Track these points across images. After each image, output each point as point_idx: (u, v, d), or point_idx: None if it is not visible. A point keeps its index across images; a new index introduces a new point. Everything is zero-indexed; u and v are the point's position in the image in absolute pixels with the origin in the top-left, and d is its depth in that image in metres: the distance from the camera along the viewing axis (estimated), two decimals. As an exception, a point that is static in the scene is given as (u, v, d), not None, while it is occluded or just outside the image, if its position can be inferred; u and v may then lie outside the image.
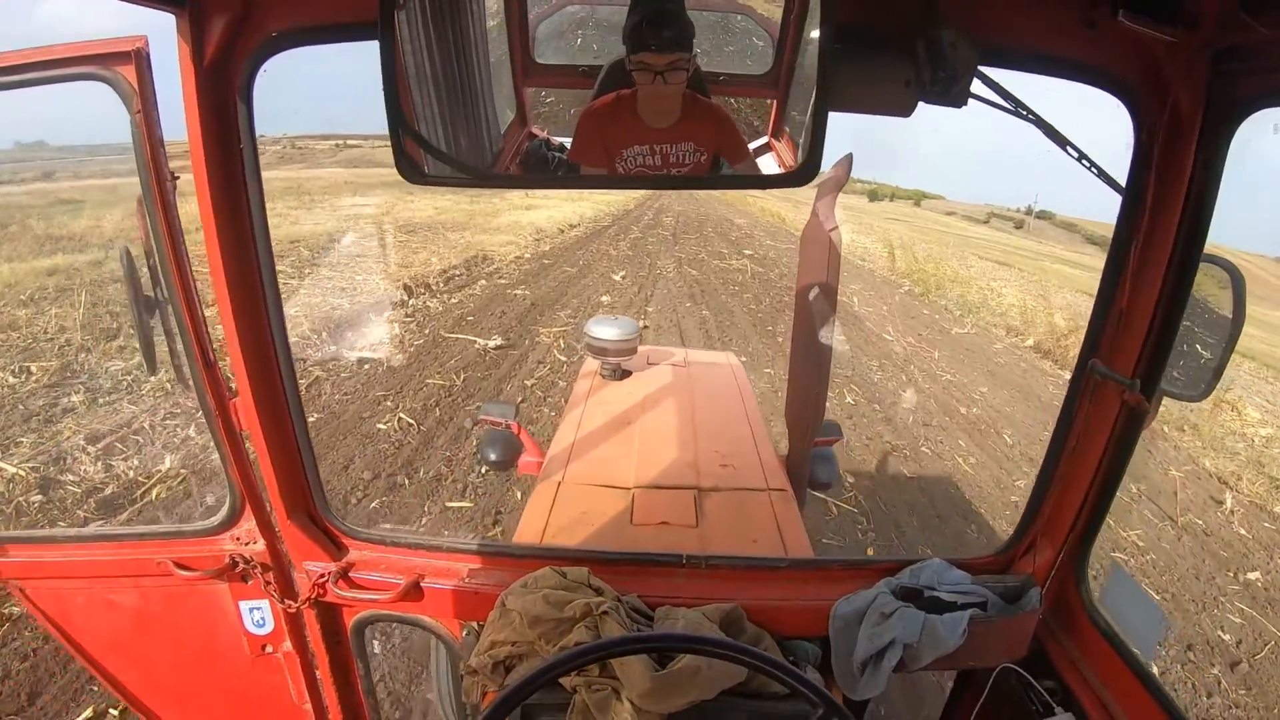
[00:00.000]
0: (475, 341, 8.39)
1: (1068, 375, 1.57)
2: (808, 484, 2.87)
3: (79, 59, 1.27)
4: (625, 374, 3.40)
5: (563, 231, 20.73)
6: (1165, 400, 1.52)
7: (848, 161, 2.16)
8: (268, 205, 1.41)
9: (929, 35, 1.19)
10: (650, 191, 40.58)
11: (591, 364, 3.50)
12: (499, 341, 8.42)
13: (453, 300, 10.50)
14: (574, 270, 14.05)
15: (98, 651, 1.87)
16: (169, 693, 1.95)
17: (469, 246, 15.60)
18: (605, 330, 3.27)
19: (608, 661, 1.36)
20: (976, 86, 1.24)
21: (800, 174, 1.17)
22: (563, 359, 8.07)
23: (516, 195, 27.30)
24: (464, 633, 1.73)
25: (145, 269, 1.40)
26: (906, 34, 1.21)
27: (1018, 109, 1.27)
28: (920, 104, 1.28)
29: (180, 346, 1.45)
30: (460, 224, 19.63)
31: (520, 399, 6.72)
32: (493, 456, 3.18)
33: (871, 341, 10.12)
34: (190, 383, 1.50)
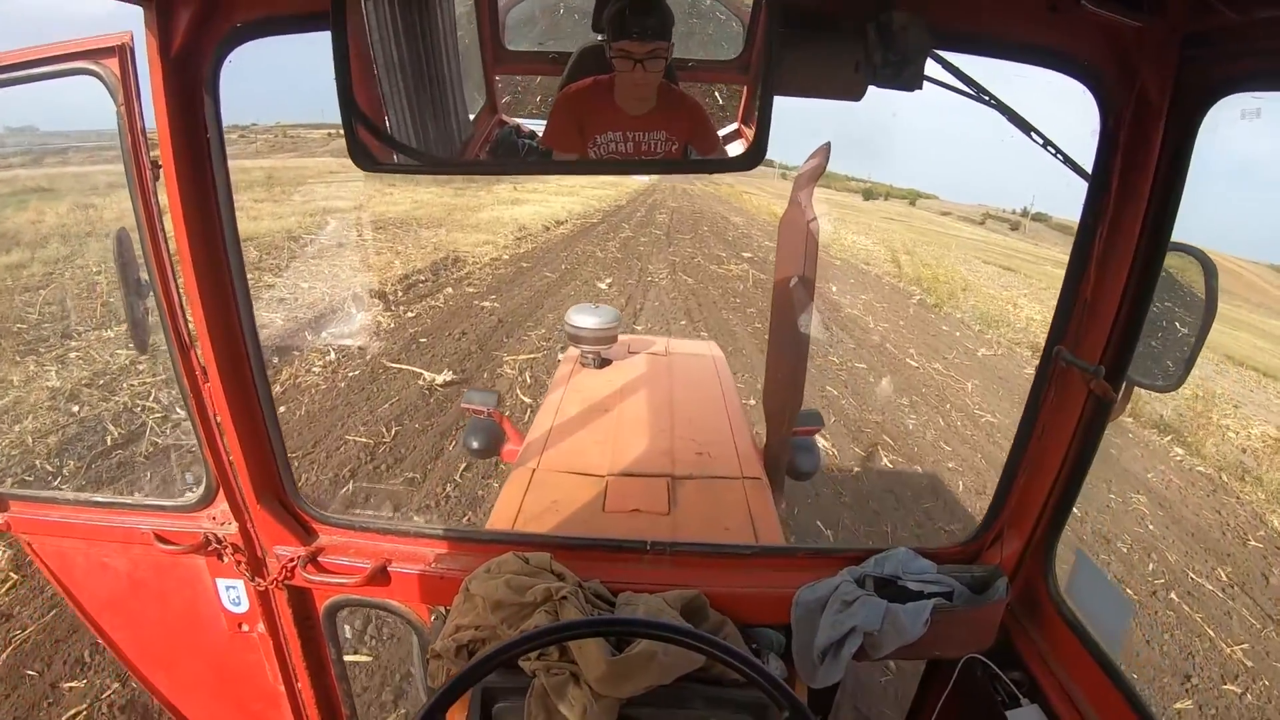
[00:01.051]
0: (421, 375, 7.13)
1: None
2: (787, 473, 2.84)
3: (70, 55, 1.35)
4: (605, 362, 3.39)
5: (548, 229, 19.01)
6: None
7: (825, 150, 2.16)
8: (242, 194, 1.54)
9: (879, 18, 1.18)
10: (644, 187, 40.93)
11: (573, 352, 3.47)
12: (449, 376, 7.10)
13: (409, 314, 9.31)
14: (554, 276, 12.91)
15: (94, 609, 1.95)
16: (156, 658, 2.02)
17: (440, 246, 14.39)
18: (585, 319, 3.27)
19: (566, 645, 1.37)
20: (936, 71, 1.23)
21: (746, 159, 1.18)
22: (527, 400, 6.78)
23: (504, 189, 26.87)
24: (432, 617, 1.75)
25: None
26: (857, 17, 1.20)
27: (979, 94, 1.27)
28: (881, 91, 1.27)
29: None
30: (437, 220, 17.95)
31: (463, 467, 5.31)
32: (475, 445, 3.11)
33: (898, 368, 9.17)
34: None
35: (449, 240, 14.97)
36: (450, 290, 10.54)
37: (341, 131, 1.14)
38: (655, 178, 38.90)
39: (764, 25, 1.15)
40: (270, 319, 8.14)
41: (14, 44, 1.45)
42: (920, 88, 1.24)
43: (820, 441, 4.31)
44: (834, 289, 13.81)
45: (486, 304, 9.90)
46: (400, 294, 9.80)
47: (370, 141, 1.16)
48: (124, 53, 1.33)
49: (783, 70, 1.13)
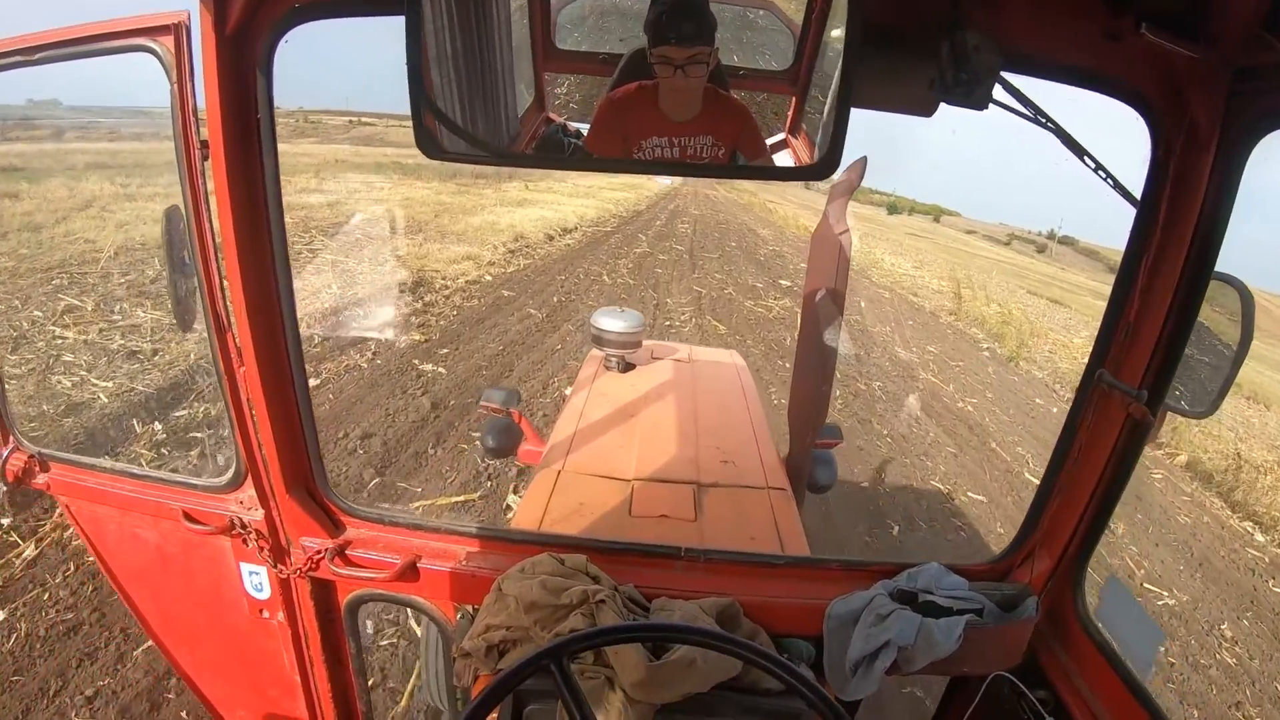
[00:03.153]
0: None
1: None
2: (806, 485, 2.87)
3: (127, 32, 1.40)
4: (629, 367, 3.47)
5: (551, 239, 15.79)
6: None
7: (861, 165, 2.19)
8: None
9: (953, 37, 1.19)
10: (666, 191, 39.11)
11: (596, 355, 3.59)
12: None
13: (312, 383, 6.11)
14: (539, 315, 9.97)
15: (125, 577, 2.03)
16: (179, 633, 2.10)
17: (408, 263, 11.54)
18: (611, 322, 3.35)
19: (602, 649, 1.44)
20: (997, 92, 1.25)
21: (819, 168, 1.19)
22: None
23: (512, 189, 25.18)
24: (458, 616, 1.77)
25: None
26: (930, 34, 1.21)
27: (1037, 116, 1.29)
28: (942, 107, 1.33)
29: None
30: (418, 224, 14.75)
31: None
32: (492, 443, 3.13)
33: (1009, 473, 6.68)
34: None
35: (421, 255, 11.60)
36: (381, 340, 7.81)
37: (365, 121, 1.44)
38: (677, 182, 38.20)
39: (847, 38, 1.15)
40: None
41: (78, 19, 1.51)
42: (987, 108, 1.25)
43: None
44: (898, 336, 11.83)
45: (428, 367, 6.43)
46: (314, 344, 6.20)
47: (434, 129, 1.18)
48: (179, 31, 1.33)
49: (857, 83, 1.14)
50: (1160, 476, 7.51)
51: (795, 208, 35.57)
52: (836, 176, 2.16)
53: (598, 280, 12.65)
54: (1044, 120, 1.27)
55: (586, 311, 9.80)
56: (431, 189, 23.39)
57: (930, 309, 15.19)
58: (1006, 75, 1.24)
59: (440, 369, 7.02)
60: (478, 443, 4.12)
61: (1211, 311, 1.40)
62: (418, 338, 7.95)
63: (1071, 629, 1.67)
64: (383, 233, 14.11)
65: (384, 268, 10.79)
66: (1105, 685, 1.55)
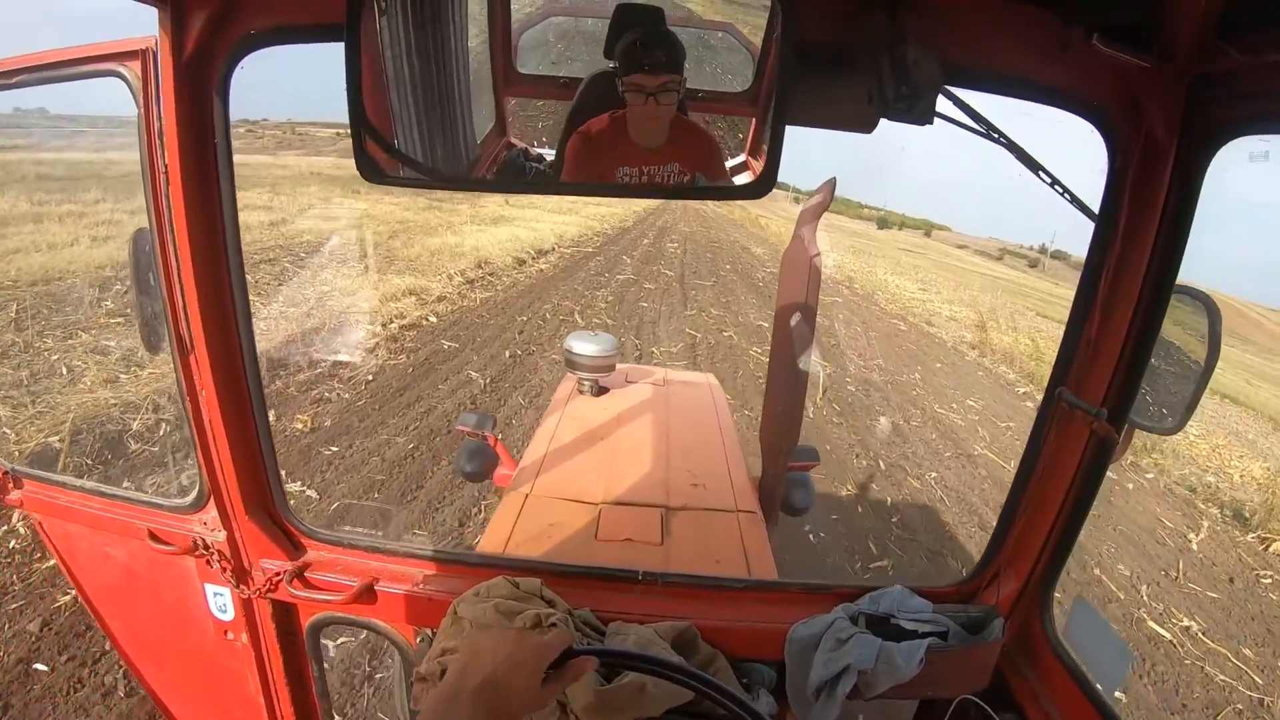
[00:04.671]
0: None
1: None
2: (781, 508, 2.86)
3: (97, 57, 1.45)
4: (603, 390, 3.42)
5: (522, 263, 13.83)
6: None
7: (830, 186, 2.25)
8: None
9: (892, 52, 1.19)
10: (654, 208, 37.42)
11: (570, 379, 3.56)
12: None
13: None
14: (482, 379, 7.39)
15: (95, 596, 2.06)
16: (147, 652, 2.13)
17: (331, 302, 9.21)
18: (584, 346, 3.31)
19: None
20: (947, 107, 1.27)
21: (755, 187, 1.21)
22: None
23: (490, 205, 22.45)
24: (418, 639, 1.78)
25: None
26: (869, 50, 1.21)
27: (989, 131, 1.28)
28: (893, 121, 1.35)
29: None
30: (369, 247, 11.90)
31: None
32: (468, 468, 3.06)
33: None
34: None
35: (352, 290, 9.13)
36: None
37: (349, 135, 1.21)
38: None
39: (775, 56, 1.21)
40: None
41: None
42: (931, 122, 1.24)
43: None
44: (931, 388, 9.86)
45: (294, 487, 3.87)
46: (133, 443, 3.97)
47: (377, 153, 1.20)
48: (146, 56, 1.35)
49: (795, 101, 1.15)
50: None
51: (784, 223, 34.26)
52: (809, 199, 2.50)
53: (568, 320, 10.62)
54: (995, 135, 1.27)
55: (548, 373, 7.38)
56: (399, 204, 21.50)
57: (951, 342, 13.90)
58: (958, 91, 1.25)
59: (310, 491, 4.57)
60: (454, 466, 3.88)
61: (1176, 326, 1.40)
62: (298, 427, 5.51)
63: (1039, 650, 1.68)
64: (319, 261, 11.75)
65: (293, 312, 8.34)
66: (1074, 708, 1.55)
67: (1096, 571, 5.30)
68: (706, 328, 11.13)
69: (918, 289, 21.75)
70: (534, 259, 16.13)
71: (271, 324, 8.17)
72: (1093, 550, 5.50)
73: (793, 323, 2.30)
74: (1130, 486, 7.25)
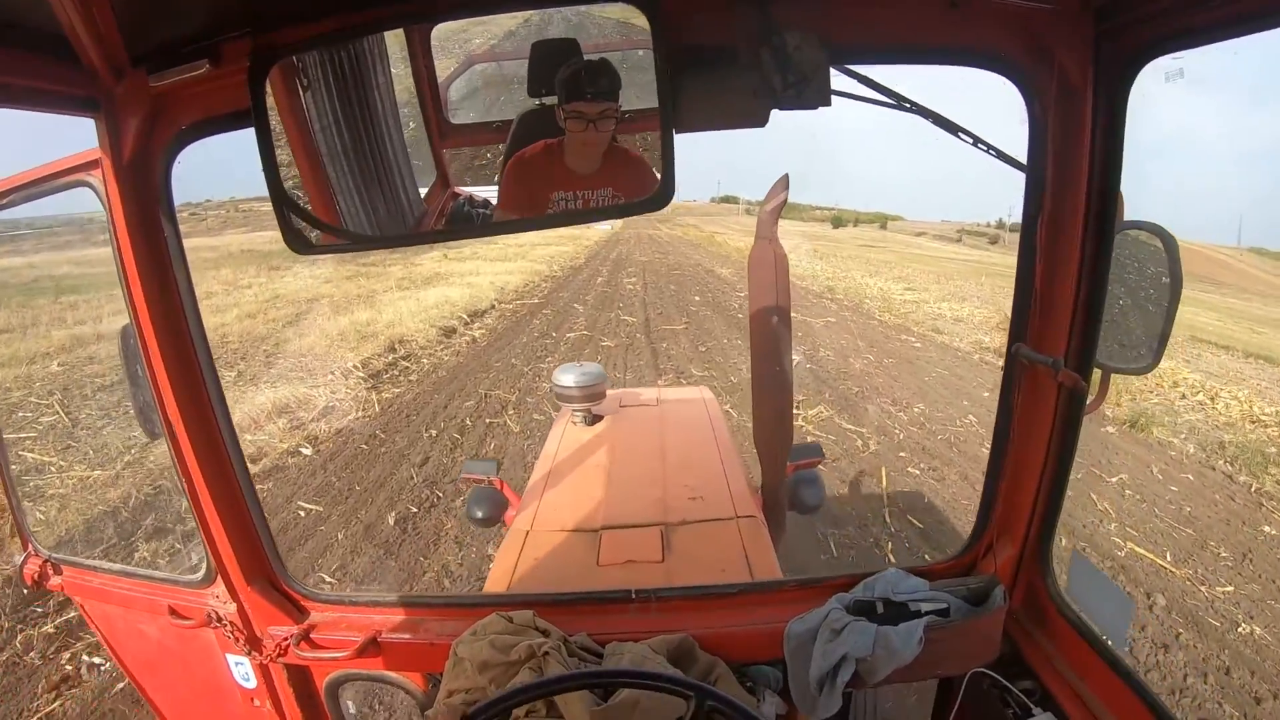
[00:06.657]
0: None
1: None
2: (790, 507, 2.91)
3: (65, 171, 1.56)
4: (596, 419, 3.47)
5: (450, 333, 11.60)
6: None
7: (784, 183, 2.23)
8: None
9: (771, 42, 1.19)
10: (605, 237, 36.24)
11: (565, 412, 3.67)
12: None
13: None
14: (357, 563, 4.89)
15: (137, 671, 2.21)
16: None
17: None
18: (571, 378, 3.34)
19: (552, 698, 1.61)
20: (849, 85, 1.26)
21: (655, 200, 1.25)
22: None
23: (427, 262, 20.39)
24: (428, 685, 1.90)
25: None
26: (749, 45, 1.21)
27: (899, 102, 1.26)
28: (834, 115, 1.44)
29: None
30: (254, 340, 8.92)
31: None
32: (479, 514, 3.03)
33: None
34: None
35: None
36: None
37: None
38: (617, 226, 37.42)
39: (656, 66, 1.18)
40: None
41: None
42: (828, 104, 1.24)
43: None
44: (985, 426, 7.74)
45: None
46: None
47: (304, 227, 1.28)
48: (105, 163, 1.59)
49: (682, 107, 1.19)
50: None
51: (741, 235, 33.56)
52: (773, 202, 2.27)
53: (497, 424, 7.49)
54: (907, 104, 1.26)
55: (467, 541, 4.59)
56: (319, 277, 18.63)
57: (974, 353, 11.84)
58: (864, 69, 1.25)
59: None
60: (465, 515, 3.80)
61: (1135, 262, 1.38)
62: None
63: (1047, 613, 1.69)
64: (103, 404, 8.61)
65: (97, 476, 5.43)
66: (1089, 667, 1.55)
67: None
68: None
69: (903, 289, 20.77)
70: (466, 324, 13.96)
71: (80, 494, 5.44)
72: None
73: (771, 323, 2.32)
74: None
